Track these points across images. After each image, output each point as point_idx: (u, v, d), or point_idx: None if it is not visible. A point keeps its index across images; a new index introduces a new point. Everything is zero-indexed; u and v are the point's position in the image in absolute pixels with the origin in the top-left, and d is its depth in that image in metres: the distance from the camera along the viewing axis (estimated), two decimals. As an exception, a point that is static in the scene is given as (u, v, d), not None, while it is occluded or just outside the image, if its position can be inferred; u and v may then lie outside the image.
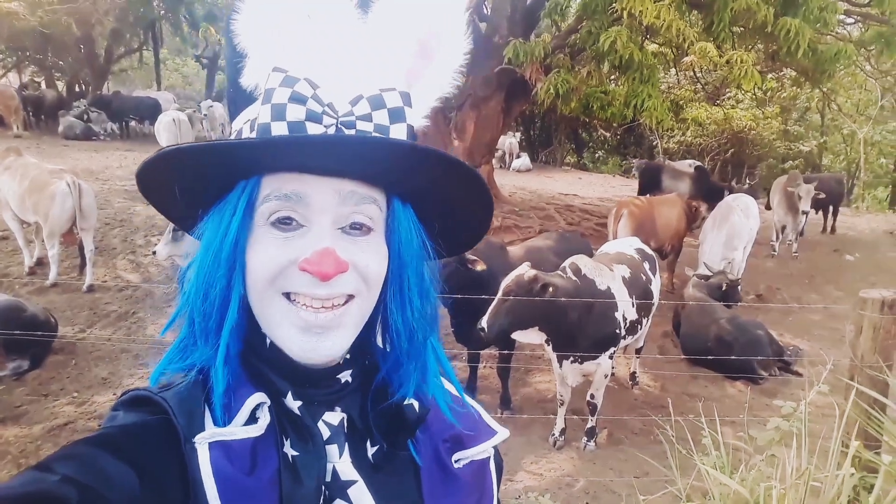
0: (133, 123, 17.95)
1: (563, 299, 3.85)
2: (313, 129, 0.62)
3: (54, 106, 16.92)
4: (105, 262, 7.34)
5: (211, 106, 16.61)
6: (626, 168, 19.89)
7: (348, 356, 0.71)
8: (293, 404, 0.66)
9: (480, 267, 4.16)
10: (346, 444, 0.68)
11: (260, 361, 0.67)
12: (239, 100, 0.70)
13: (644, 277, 4.73)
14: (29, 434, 4.11)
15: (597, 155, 23.41)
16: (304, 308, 0.63)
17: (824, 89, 11.36)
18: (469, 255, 4.32)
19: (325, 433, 0.67)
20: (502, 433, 0.81)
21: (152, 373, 0.67)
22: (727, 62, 7.38)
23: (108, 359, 5.30)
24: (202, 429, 0.61)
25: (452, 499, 0.73)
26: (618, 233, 7.05)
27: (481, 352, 5.02)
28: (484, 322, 3.80)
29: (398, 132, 0.65)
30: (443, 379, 0.78)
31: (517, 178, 16.29)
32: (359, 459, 0.69)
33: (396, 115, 0.65)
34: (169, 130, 10.46)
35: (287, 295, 0.64)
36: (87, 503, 0.52)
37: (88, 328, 5.85)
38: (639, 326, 4.60)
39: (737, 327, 5.73)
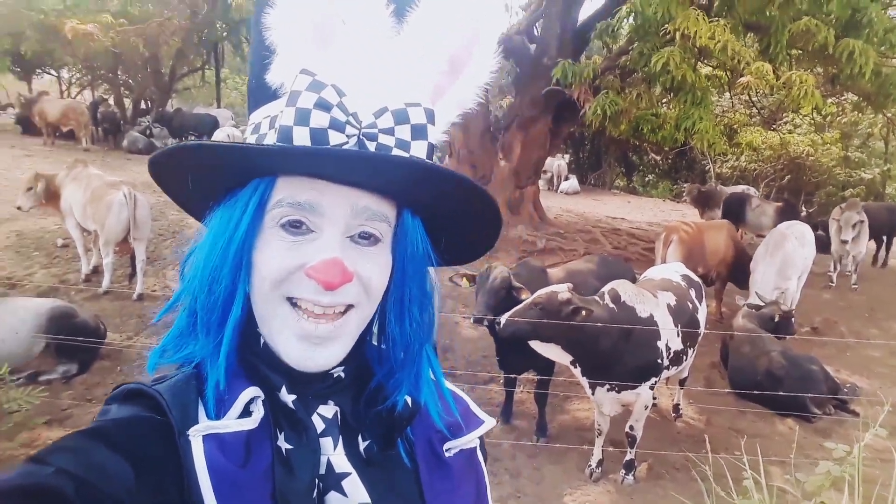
0: (192, 139, 18.62)
1: (595, 325, 3.74)
2: (335, 137, 0.61)
3: (121, 122, 17.75)
4: (156, 272, 7.57)
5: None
6: (677, 192, 19.45)
7: None
8: (287, 398, 0.67)
9: (525, 295, 4.11)
10: (340, 436, 0.69)
11: (254, 357, 0.68)
12: (260, 94, 0.69)
13: (690, 305, 4.57)
14: (73, 438, 4.21)
15: (647, 179, 22.99)
16: (305, 317, 0.64)
17: (888, 114, 10.87)
18: (515, 283, 4.29)
19: (320, 426, 0.68)
20: (489, 422, 0.83)
21: (148, 362, 0.67)
22: (784, 84, 7.14)
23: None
24: (196, 422, 0.61)
25: (448, 486, 0.75)
26: (666, 258, 6.87)
27: (518, 376, 4.94)
28: (503, 318, 3.75)
29: (419, 149, 0.65)
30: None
31: (564, 201, 16.14)
32: (351, 452, 0.70)
33: (419, 132, 0.65)
34: (224, 146, 10.74)
35: (290, 300, 0.65)
36: (83, 495, 0.52)
37: (135, 336, 6.03)
38: (684, 357, 4.43)
39: (789, 361, 5.46)
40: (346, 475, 0.67)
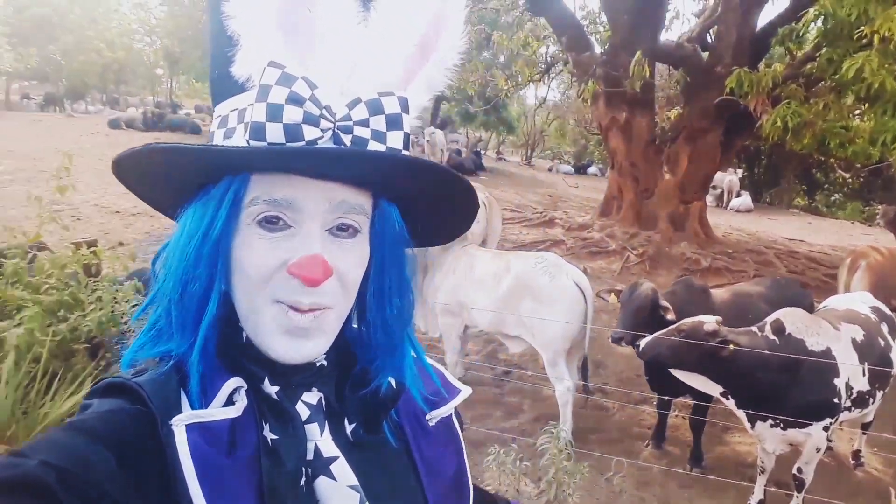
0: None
1: (750, 357, 3.46)
2: (310, 132, 0.61)
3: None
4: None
5: (433, 133, 17.89)
6: (869, 215, 17.20)
7: None
8: (271, 389, 0.67)
9: (671, 316, 3.93)
10: (326, 422, 0.70)
11: (235, 350, 0.68)
12: (224, 87, 0.68)
13: (882, 342, 4.05)
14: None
15: (833, 198, 20.58)
16: (290, 310, 0.64)
17: None
18: (662, 302, 4.11)
19: (305, 413, 0.68)
20: (465, 391, 0.86)
21: (123, 358, 0.67)
22: None
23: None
24: (178, 412, 0.61)
25: (435, 453, 0.78)
26: (851, 286, 6.12)
27: (673, 399, 4.71)
28: (643, 342, 3.59)
29: (395, 140, 0.65)
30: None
31: (734, 218, 15.01)
32: (338, 437, 0.70)
33: (394, 123, 0.64)
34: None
35: (276, 301, 0.65)
36: (66, 484, 0.52)
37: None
38: (870, 399, 3.93)
39: None
40: (334, 459, 0.68)
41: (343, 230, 0.67)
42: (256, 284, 0.64)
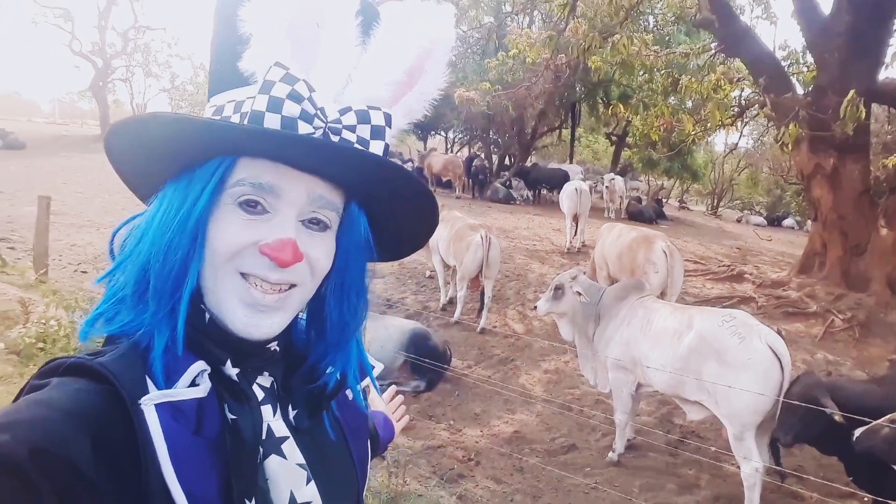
0: (544, 192, 20.10)
1: None
2: (303, 127, 0.66)
3: (488, 175, 20.33)
4: (498, 309, 8.31)
5: (613, 179, 17.47)
6: None
7: None
8: (231, 371, 0.71)
9: (838, 418, 3.40)
10: (277, 404, 0.75)
11: (199, 333, 0.70)
12: (224, 79, 0.73)
13: None
14: (411, 447, 4.81)
15: None
16: (254, 287, 0.68)
17: None
18: (826, 400, 3.50)
19: (260, 395, 0.73)
20: (378, 366, 0.92)
21: (81, 329, 0.69)
22: None
23: (484, 397, 5.93)
24: (145, 392, 0.62)
25: (354, 420, 0.87)
26: None
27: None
28: (859, 431, 3.12)
29: (377, 148, 0.71)
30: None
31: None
32: (285, 419, 0.75)
33: (377, 133, 0.71)
34: (570, 198, 11.28)
35: (241, 274, 0.68)
36: (38, 464, 0.52)
37: (475, 365, 6.68)
38: None
39: None
40: (284, 439, 0.73)
41: (315, 223, 0.72)
42: (223, 257, 0.68)
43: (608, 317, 4.82)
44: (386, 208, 0.78)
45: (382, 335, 5.83)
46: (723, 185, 29.35)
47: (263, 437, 0.70)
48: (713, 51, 10.13)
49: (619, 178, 18.06)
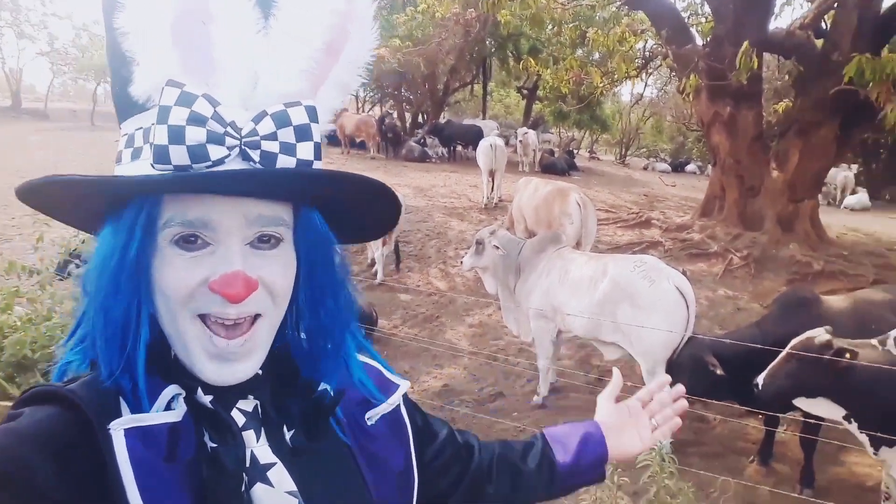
0: (459, 148, 20.15)
1: (872, 374, 3.17)
2: (215, 151, 0.60)
3: (401, 133, 20.06)
4: (420, 268, 8.39)
5: (526, 133, 17.71)
6: None
7: None
8: (204, 399, 0.66)
9: (719, 371, 3.85)
10: (262, 428, 0.69)
11: (167, 365, 0.67)
12: (126, 106, 0.66)
13: None
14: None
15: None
16: (215, 334, 0.63)
17: None
18: (709, 359, 3.93)
19: (241, 420, 0.67)
20: (403, 385, 0.85)
21: (54, 372, 0.68)
22: None
23: (413, 355, 6.04)
24: (116, 417, 0.60)
25: (378, 452, 0.78)
26: None
27: (783, 415, 4.40)
28: (760, 378, 3.40)
29: (305, 151, 0.63)
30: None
31: (849, 218, 13.87)
32: (276, 443, 0.69)
33: (303, 133, 0.63)
34: (486, 154, 11.35)
35: (200, 316, 0.64)
36: (5, 490, 0.52)
37: (401, 325, 6.76)
38: None
39: None
40: (271, 466, 0.67)
41: (265, 241, 0.65)
42: (177, 302, 0.63)
43: (528, 269, 4.99)
44: (339, 205, 0.71)
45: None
46: (630, 135, 30.40)
47: (247, 464, 0.66)
48: (618, 2, 10.37)
49: (531, 132, 18.34)
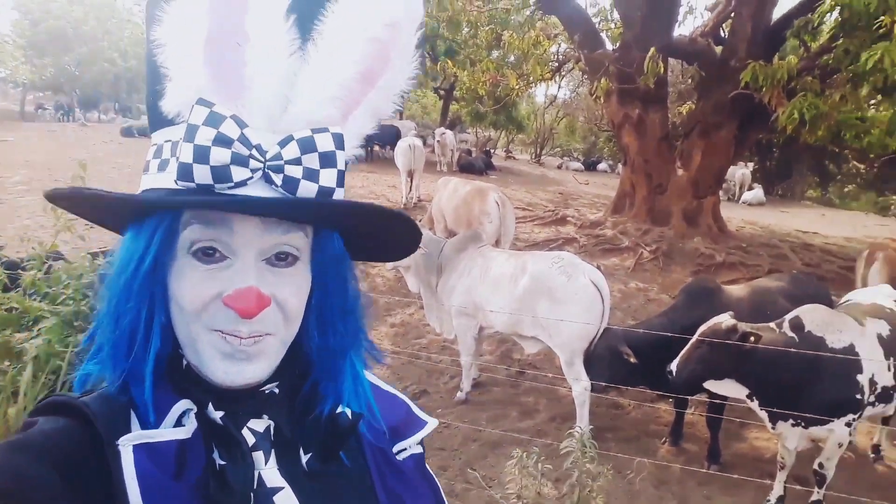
0: (376, 149, 20.03)
1: (770, 355, 3.44)
2: (238, 173, 0.60)
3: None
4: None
5: (444, 133, 17.87)
6: (884, 205, 17.05)
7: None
8: (215, 415, 0.65)
9: (633, 360, 4.09)
10: (273, 451, 0.68)
11: (178, 376, 0.66)
12: (157, 117, 0.67)
13: (907, 336, 3.99)
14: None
15: (846, 189, 20.38)
16: (229, 335, 0.63)
17: None
18: (624, 349, 4.16)
19: (251, 440, 0.66)
20: (431, 423, 0.83)
21: (75, 381, 0.67)
22: None
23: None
24: (126, 432, 0.60)
25: (405, 489, 0.75)
26: (868, 279, 6.05)
27: (690, 397, 4.67)
28: (673, 366, 3.58)
29: (328, 178, 0.63)
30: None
31: (747, 212, 14.91)
32: (289, 467, 0.68)
33: (327, 160, 0.63)
34: (405, 155, 11.32)
35: (213, 330, 0.64)
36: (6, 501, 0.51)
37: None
38: (895, 394, 3.89)
39: None
40: (278, 490, 0.66)
41: (282, 259, 0.65)
42: (191, 314, 0.63)
43: (450, 268, 5.04)
44: (358, 229, 0.70)
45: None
46: (544, 135, 31.28)
47: (254, 486, 0.64)
48: (532, 6, 10.65)
49: (449, 132, 18.54)
